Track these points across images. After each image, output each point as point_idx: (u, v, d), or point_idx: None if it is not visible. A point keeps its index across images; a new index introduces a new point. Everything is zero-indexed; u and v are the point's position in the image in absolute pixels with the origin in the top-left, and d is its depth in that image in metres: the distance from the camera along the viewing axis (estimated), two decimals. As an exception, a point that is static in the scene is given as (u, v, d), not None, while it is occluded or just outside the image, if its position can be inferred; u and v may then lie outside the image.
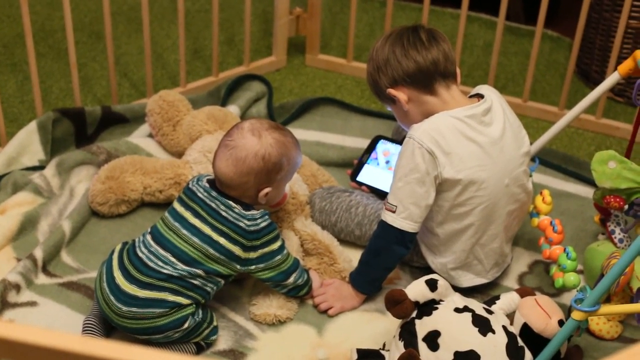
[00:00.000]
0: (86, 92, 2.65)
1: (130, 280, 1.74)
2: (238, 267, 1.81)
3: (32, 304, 1.91)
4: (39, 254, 1.98)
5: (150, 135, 2.37)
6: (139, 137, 2.38)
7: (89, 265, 2.02)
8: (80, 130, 2.37)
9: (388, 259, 1.93)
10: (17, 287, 1.91)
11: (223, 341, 1.86)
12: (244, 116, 2.49)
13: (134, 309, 1.73)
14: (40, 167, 2.25)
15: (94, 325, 1.80)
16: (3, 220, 2.07)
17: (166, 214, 1.84)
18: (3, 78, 2.69)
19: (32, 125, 2.29)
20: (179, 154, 2.28)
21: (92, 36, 2.95)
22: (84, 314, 1.88)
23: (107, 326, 1.83)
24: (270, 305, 1.91)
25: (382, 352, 1.82)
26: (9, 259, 2.01)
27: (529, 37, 3.09)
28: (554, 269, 1.90)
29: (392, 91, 1.89)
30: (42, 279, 1.97)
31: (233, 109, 2.45)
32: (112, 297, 1.74)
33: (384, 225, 1.88)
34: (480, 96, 1.92)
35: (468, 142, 1.83)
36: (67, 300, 1.93)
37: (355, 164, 2.28)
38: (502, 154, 1.87)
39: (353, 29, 2.75)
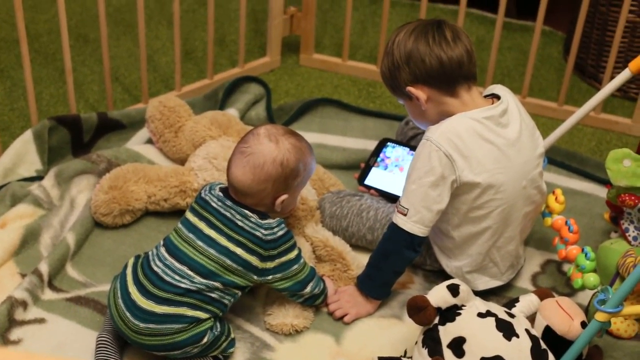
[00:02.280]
0: (77, 98, 2.59)
1: (146, 295, 1.69)
2: (255, 277, 1.76)
3: (40, 320, 1.85)
4: (44, 268, 1.92)
5: (150, 141, 2.32)
6: (137, 143, 2.33)
7: (95, 278, 1.97)
8: (77, 138, 2.31)
9: (397, 263, 1.90)
10: (24, 304, 1.85)
11: (240, 353, 1.82)
12: (243, 119, 2.44)
13: (151, 326, 1.68)
14: (38, 178, 2.19)
15: (109, 342, 1.75)
16: (4, 234, 2.00)
17: (179, 225, 1.79)
18: (-10, 85, 2.62)
19: (28, 135, 2.22)
20: (182, 161, 2.22)
21: (80, 40, 2.89)
22: (94, 330, 1.82)
23: (121, 342, 1.78)
24: (287, 315, 1.87)
25: (404, 359, 1.79)
26: (12, 274, 1.95)
27: (522, 32, 3.08)
28: (571, 270, 1.88)
29: (412, 89, 1.84)
30: (48, 295, 1.91)
31: (232, 112, 2.41)
32: (128, 314, 1.69)
33: (394, 228, 1.85)
34: (495, 96, 1.89)
35: (486, 144, 1.80)
36: (77, 316, 1.87)
37: (362, 167, 2.24)
38: (519, 155, 1.85)
39: (349, 28, 2.71)
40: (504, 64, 2.90)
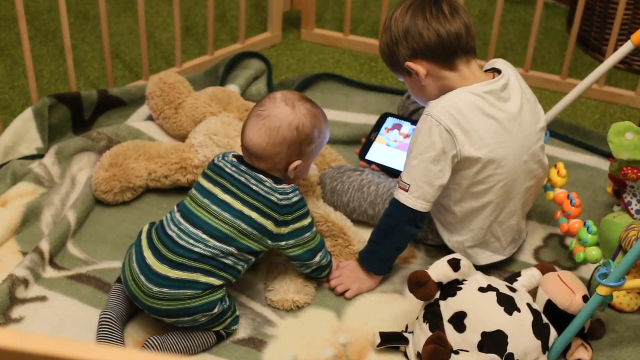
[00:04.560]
0: (78, 76, 2.58)
1: (161, 260, 1.70)
2: (269, 242, 1.77)
3: (42, 298, 1.86)
4: (45, 246, 1.92)
5: (150, 118, 2.31)
6: (138, 120, 2.32)
7: (96, 255, 1.97)
8: (77, 115, 2.30)
9: (399, 238, 1.89)
10: (26, 282, 1.85)
11: (242, 329, 1.82)
12: (243, 95, 2.43)
13: (165, 290, 1.68)
14: (38, 156, 2.18)
15: (112, 320, 1.75)
16: (5, 212, 2.00)
17: (193, 191, 1.79)
18: (-10, 63, 2.61)
19: (28, 113, 2.21)
20: (182, 137, 2.22)
21: (80, 17, 2.87)
22: (95, 308, 1.83)
23: (124, 321, 1.78)
24: (288, 291, 1.87)
25: (405, 334, 1.78)
26: (13, 253, 1.95)
27: (524, 5, 3.06)
28: (573, 243, 1.88)
29: (410, 64, 1.83)
30: (49, 273, 1.91)
31: (233, 89, 2.39)
32: (142, 278, 1.70)
33: (395, 204, 1.84)
34: (496, 71, 1.87)
35: (487, 118, 1.79)
36: (78, 294, 1.87)
37: (363, 142, 2.23)
38: (520, 129, 1.83)
39: (350, 2, 2.69)
40: (506, 37, 2.87)
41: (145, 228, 1.80)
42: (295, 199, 1.77)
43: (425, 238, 2.02)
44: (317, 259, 1.84)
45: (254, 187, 1.75)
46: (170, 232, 1.73)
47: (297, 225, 1.79)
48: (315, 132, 1.80)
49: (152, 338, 1.72)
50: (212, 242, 1.71)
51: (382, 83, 2.60)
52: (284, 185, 1.76)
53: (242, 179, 1.76)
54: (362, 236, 1.99)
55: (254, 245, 1.74)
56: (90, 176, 2.10)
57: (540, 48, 2.82)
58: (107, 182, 2.05)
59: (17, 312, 1.81)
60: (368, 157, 2.18)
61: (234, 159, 1.79)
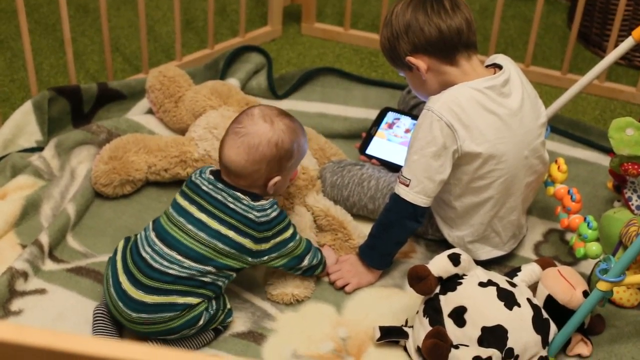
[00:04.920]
0: (78, 69, 2.57)
1: (136, 285, 1.67)
2: (249, 259, 1.74)
3: (41, 291, 1.85)
4: (44, 239, 1.92)
5: (150, 112, 2.31)
6: (138, 114, 2.31)
7: (96, 249, 1.96)
8: (77, 108, 2.29)
9: (399, 233, 1.89)
10: (25, 275, 1.85)
11: (241, 323, 1.82)
12: (244, 89, 2.43)
13: (143, 315, 1.66)
14: (38, 149, 2.18)
15: (106, 314, 1.74)
16: (4, 205, 2.00)
17: (170, 209, 1.76)
18: (-10, 56, 2.60)
19: (28, 105, 2.21)
20: (182, 131, 2.21)
21: (80, 10, 2.86)
22: (94, 300, 1.82)
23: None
24: (287, 285, 1.86)
25: (405, 328, 1.78)
26: (12, 245, 1.95)
27: (525, 0, 3.05)
28: (574, 239, 1.87)
29: (411, 59, 1.83)
30: (49, 265, 1.91)
31: (233, 82, 2.39)
32: (120, 304, 1.68)
33: (396, 199, 1.84)
34: (497, 66, 1.87)
35: (488, 114, 1.79)
36: (77, 287, 1.87)
37: (363, 136, 2.23)
38: (521, 125, 1.83)
39: (350, -4, 2.69)
40: (507, 33, 2.87)
41: (121, 245, 1.76)
42: (273, 214, 1.74)
43: (425, 233, 2.02)
44: (305, 262, 1.83)
45: (231, 205, 1.71)
46: (144, 254, 1.69)
47: (279, 239, 1.76)
48: (294, 147, 1.77)
49: (151, 341, 1.72)
50: (188, 262, 1.67)
51: (382, 78, 2.60)
52: (262, 202, 1.73)
53: (219, 197, 1.72)
54: (362, 230, 1.99)
55: (232, 263, 1.72)
56: (90, 169, 2.09)
57: (541, 44, 2.82)
58: (106, 175, 2.05)
59: (16, 304, 1.81)
60: (368, 151, 2.18)
61: (211, 177, 1.75)
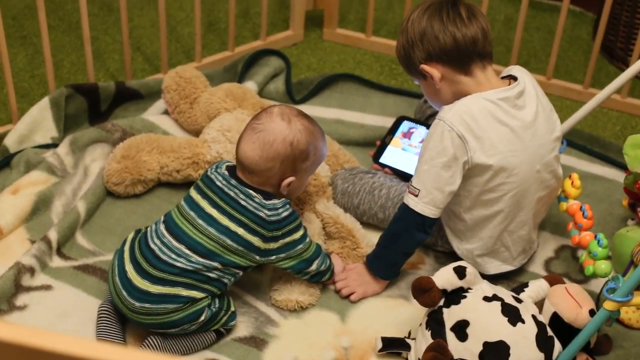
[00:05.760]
0: (98, 67, 2.58)
1: (142, 274, 1.68)
2: (257, 258, 1.74)
3: (47, 287, 1.86)
4: (53, 235, 1.93)
5: (166, 112, 2.31)
6: (154, 114, 2.32)
7: (104, 247, 1.97)
8: (94, 106, 2.31)
9: (407, 244, 1.87)
10: (32, 271, 1.86)
11: (244, 327, 1.81)
12: (261, 93, 2.43)
13: (146, 305, 1.67)
14: (53, 145, 2.19)
15: (110, 312, 1.75)
16: (16, 200, 2.01)
17: (182, 202, 1.77)
18: (12, 51, 2.62)
19: (45, 102, 2.22)
20: (196, 132, 2.21)
21: (104, 8, 2.88)
22: (99, 299, 1.83)
23: (124, 315, 1.78)
24: (292, 291, 1.85)
25: (408, 340, 1.77)
26: (22, 241, 1.96)
27: (551, 12, 3.02)
28: (584, 256, 1.85)
29: (425, 67, 1.81)
30: (56, 262, 1.92)
31: (250, 85, 2.39)
32: (124, 292, 1.69)
33: (404, 209, 1.82)
34: (512, 78, 1.85)
35: (500, 125, 1.77)
36: (83, 284, 1.88)
37: (377, 145, 2.21)
38: (534, 138, 1.81)
39: (373, 2, 2.67)
40: (530, 44, 2.84)
41: (130, 237, 1.78)
42: (285, 214, 1.74)
43: (435, 244, 2.00)
44: (313, 267, 1.82)
45: (243, 202, 1.72)
46: (152, 246, 1.71)
47: (288, 239, 1.76)
48: (310, 149, 1.77)
49: (151, 338, 1.72)
50: (195, 257, 1.68)
51: (401, 86, 2.58)
52: (274, 201, 1.73)
53: (232, 194, 1.73)
54: (370, 239, 1.98)
55: (239, 261, 1.72)
56: (103, 167, 2.10)
57: (565, 56, 2.79)
58: (118, 174, 2.05)
59: (21, 299, 1.82)
60: (382, 160, 2.16)
61: (226, 172, 1.76)
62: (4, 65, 2.16)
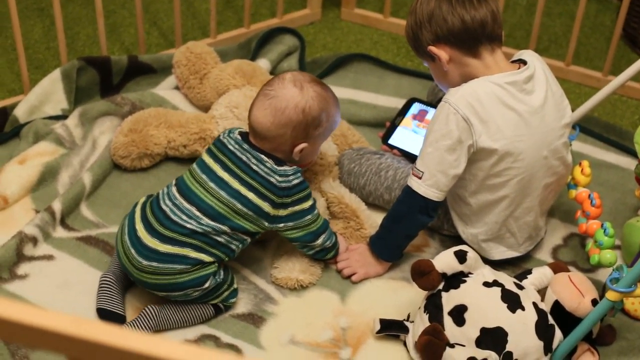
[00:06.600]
0: (114, 40, 2.58)
1: (152, 233, 1.69)
2: (266, 224, 1.74)
3: (49, 257, 1.87)
4: (57, 206, 1.93)
5: (177, 88, 2.30)
6: (166, 88, 2.31)
7: (108, 219, 1.97)
8: (106, 79, 2.30)
9: (409, 226, 1.85)
10: (34, 240, 1.87)
11: (242, 304, 1.81)
12: (274, 71, 2.41)
13: (154, 264, 1.67)
14: (63, 117, 2.19)
15: (112, 282, 1.75)
16: (23, 170, 2.02)
17: (194, 165, 1.78)
18: (29, 23, 2.62)
19: (56, 74, 2.23)
20: (206, 108, 2.20)
21: (123, -18, 2.87)
22: (100, 270, 1.83)
23: (125, 284, 1.78)
24: (293, 269, 1.84)
25: (406, 323, 1.75)
26: (27, 210, 1.97)
27: (575, -2, 2.96)
28: (590, 245, 1.82)
29: (433, 49, 1.79)
30: (59, 232, 1.92)
31: (263, 63, 2.37)
32: (132, 250, 1.69)
33: (408, 191, 1.80)
34: (522, 62, 1.81)
35: (507, 110, 1.74)
36: (84, 255, 1.88)
37: (387, 126, 2.19)
38: (542, 124, 1.78)
39: (392, -17, 2.64)
40: (552, 30, 2.79)
41: (141, 200, 1.78)
42: (295, 181, 1.73)
43: (441, 228, 1.98)
44: (319, 241, 1.81)
45: (254, 167, 1.72)
46: (164, 207, 1.71)
47: (297, 208, 1.75)
48: (323, 115, 1.76)
49: (149, 307, 1.72)
50: (205, 220, 1.69)
51: (417, 68, 2.55)
52: (286, 167, 1.73)
53: (244, 158, 1.73)
54: (375, 220, 1.96)
55: (248, 226, 1.72)
56: (111, 140, 2.10)
57: (586, 43, 2.74)
58: (125, 147, 2.05)
59: (23, 269, 1.83)
60: (391, 141, 2.14)
61: (239, 137, 1.76)
62: (15, 36, 2.17)
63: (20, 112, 2.17)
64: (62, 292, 1.80)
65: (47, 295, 1.78)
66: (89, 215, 1.98)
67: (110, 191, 2.05)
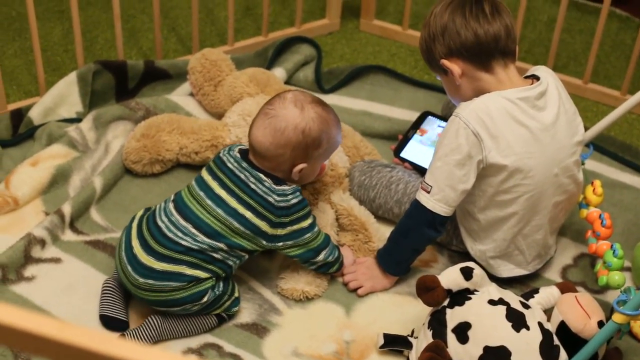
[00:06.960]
0: (132, 45, 2.59)
1: (147, 251, 1.68)
2: (264, 242, 1.73)
3: (56, 260, 1.87)
4: (67, 209, 1.94)
5: (192, 94, 2.31)
6: (181, 94, 2.32)
7: (117, 224, 1.97)
8: (122, 84, 2.31)
9: (417, 241, 1.84)
10: (42, 242, 1.87)
11: (247, 314, 1.80)
12: (290, 80, 2.41)
13: (150, 281, 1.67)
14: (77, 120, 2.20)
15: (114, 288, 1.76)
16: (35, 172, 2.03)
17: (193, 182, 1.77)
18: (49, 25, 2.64)
19: (72, 76, 2.24)
20: (219, 115, 2.21)
21: (143, -13, 2.89)
22: (107, 275, 1.84)
23: (127, 290, 1.78)
24: (299, 281, 1.84)
25: (410, 339, 1.74)
26: (37, 212, 1.98)
27: (596, 15, 2.93)
28: (599, 266, 1.80)
29: (446, 62, 1.78)
30: (68, 236, 1.93)
31: (279, 72, 2.37)
32: (129, 268, 1.69)
33: (416, 205, 1.79)
34: (536, 78, 1.80)
35: (518, 126, 1.72)
36: (92, 259, 1.88)
37: (399, 139, 2.18)
38: (553, 141, 1.76)
39: (411, -4, 2.64)
40: (572, 47, 2.77)
41: (139, 214, 1.78)
42: (294, 200, 1.72)
43: (449, 243, 1.97)
44: (321, 257, 1.80)
45: (252, 186, 1.71)
46: (159, 223, 1.71)
47: (295, 227, 1.74)
48: (323, 137, 1.74)
49: (152, 317, 1.72)
50: (201, 237, 1.68)
51: (433, 81, 2.54)
52: (284, 187, 1.72)
53: (242, 176, 1.72)
54: (383, 233, 1.95)
55: (245, 244, 1.71)
56: (123, 145, 2.10)
57: (606, 61, 2.72)
58: (137, 153, 2.06)
59: (30, 270, 1.84)
60: (403, 154, 2.13)
61: (238, 155, 1.75)
62: (33, 38, 2.18)
63: (35, 114, 2.19)
64: (67, 296, 1.80)
65: (52, 298, 1.79)
66: (99, 220, 1.98)
67: (120, 196, 2.05)
